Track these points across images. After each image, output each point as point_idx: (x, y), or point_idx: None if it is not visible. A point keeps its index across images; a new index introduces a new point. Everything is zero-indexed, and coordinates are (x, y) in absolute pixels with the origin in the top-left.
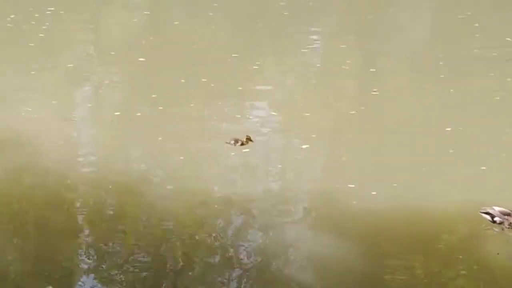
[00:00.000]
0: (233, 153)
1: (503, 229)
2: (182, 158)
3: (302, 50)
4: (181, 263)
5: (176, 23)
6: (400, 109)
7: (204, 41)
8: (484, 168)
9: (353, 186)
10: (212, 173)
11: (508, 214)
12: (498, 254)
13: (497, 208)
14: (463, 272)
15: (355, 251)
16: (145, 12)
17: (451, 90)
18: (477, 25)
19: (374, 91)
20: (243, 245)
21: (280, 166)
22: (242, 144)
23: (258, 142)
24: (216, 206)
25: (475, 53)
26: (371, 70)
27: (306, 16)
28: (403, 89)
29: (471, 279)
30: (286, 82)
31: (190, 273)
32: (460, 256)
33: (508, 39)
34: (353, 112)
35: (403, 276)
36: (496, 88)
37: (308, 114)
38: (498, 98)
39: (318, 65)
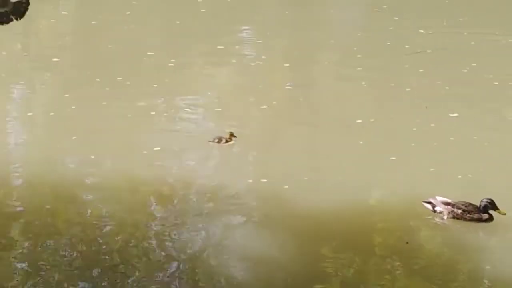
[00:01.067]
0: (145, 152)
1: (442, 219)
2: (93, 157)
3: (218, 47)
4: (117, 262)
5: (93, 22)
6: (312, 102)
7: (120, 40)
8: (393, 158)
9: (265, 180)
10: (132, 169)
11: (449, 204)
12: (407, 243)
13: (439, 198)
14: (400, 263)
15: (291, 246)
16: (63, 12)
17: (363, 83)
18: (396, 18)
19: (288, 86)
20: (176, 244)
21: (193, 163)
22: (227, 141)
23: (172, 139)
24: (141, 202)
25: (388, 45)
26: (285, 65)
27: (223, 13)
28: (318, 83)
29: (408, 269)
30: (200, 79)
31: (125, 272)
32: (398, 247)
33: (422, 31)
34: (265, 106)
35: (340, 271)
36: (408, 79)
37: (220, 109)
38: (409, 89)
39: (233, 61)
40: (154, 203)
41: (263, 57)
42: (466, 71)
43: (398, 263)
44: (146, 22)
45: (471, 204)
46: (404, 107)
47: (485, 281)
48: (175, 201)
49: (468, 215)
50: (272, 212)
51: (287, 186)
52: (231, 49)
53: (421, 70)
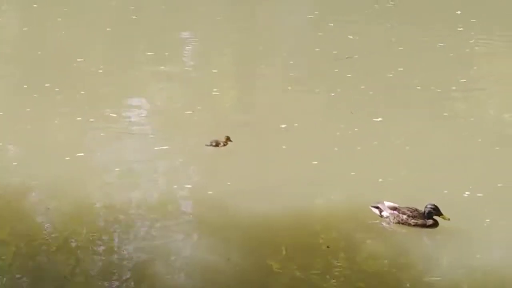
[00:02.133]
0: (68, 158)
1: (388, 223)
2: (15, 163)
3: (147, 53)
4: (62, 271)
5: (25, 29)
6: (237, 108)
7: (50, 46)
8: (315, 162)
9: (190, 186)
10: (56, 175)
11: (395, 209)
12: (328, 247)
13: (386, 203)
14: (344, 269)
15: (237, 255)
16: None
17: (289, 88)
18: (332, 24)
19: (215, 91)
20: (119, 255)
21: (123, 168)
22: (224, 145)
23: (96, 144)
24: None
25: (317, 51)
26: (213, 71)
27: (154, 20)
28: (246, 88)
29: (353, 276)
30: (129, 85)
31: (70, 282)
32: (342, 254)
33: (350, 37)
34: (189, 112)
35: (286, 278)
36: (333, 85)
37: (144, 115)
38: (334, 94)
39: (162, 67)
40: (86, 212)
41: (191, 63)
42: (391, 75)
43: (343, 269)
44: (77, 29)
45: (416, 209)
46: (329, 112)
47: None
48: (113, 210)
49: (412, 220)
50: (214, 221)
51: (211, 192)
52: (161, 55)
53: (349, 75)
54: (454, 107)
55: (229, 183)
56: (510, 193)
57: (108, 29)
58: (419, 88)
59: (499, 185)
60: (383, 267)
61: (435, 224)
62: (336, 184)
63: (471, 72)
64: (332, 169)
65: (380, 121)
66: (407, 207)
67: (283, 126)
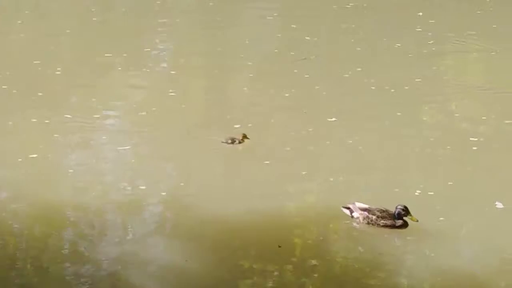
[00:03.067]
0: (20, 159)
1: (358, 223)
2: None
3: (105, 55)
4: (27, 276)
5: None
6: (192, 109)
7: (9, 48)
8: (267, 162)
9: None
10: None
11: (365, 210)
12: (279, 247)
13: (357, 204)
14: (315, 266)
15: (207, 257)
16: None
17: (245, 89)
18: (292, 26)
19: (171, 92)
20: (86, 257)
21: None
22: (239, 142)
23: (53, 146)
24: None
25: (275, 52)
26: (166, 75)
27: (114, 22)
28: (199, 90)
29: (323, 276)
30: (87, 87)
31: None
32: (312, 253)
33: (307, 38)
34: (143, 113)
35: (257, 279)
36: (288, 85)
37: (98, 116)
38: (288, 94)
39: (119, 68)
40: (37, 213)
41: (150, 65)
42: (348, 75)
43: (313, 269)
44: (37, 31)
45: (386, 210)
46: (283, 113)
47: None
48: (77, 211)
49: (382, 221)
50: (184, 222)
51: (164, 193)
52: (120, 57)
53: (307, 76)
54: (407, 107)
55: (182, 184)
56: (460, 191)
57: (67, 31)
58: (373, 88)
59: (449, 183)
60: (354, 267)
61: (405, 225)
62: (286, 184)
63: (427, 72)
64: (283, 169)
65: (334, 121)
66: (377, 208)
67: (237, 126)
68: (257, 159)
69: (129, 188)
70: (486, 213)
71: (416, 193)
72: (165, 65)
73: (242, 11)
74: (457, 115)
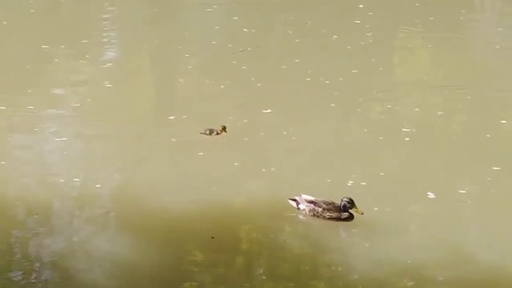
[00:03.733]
0: None
1: (304, 216)
2: None
3: (42, 46)
4: None
5: None
6: (126, 100)
7: None
8: (201, 154)
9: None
10: None
11: (311, 202)
12: (212, 237)
13: (304, 196)
14: (263, 262)
15: (157, 249)
16: None
17: (181, 80)
18: (229, 18)
19: (107, 84)
20: (37, 250)
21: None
22: (218, 133)
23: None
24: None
25: (213, 44)
26: (103, 66)
27: (53, 13)
28: (136, 81)
29: (271, 269)
30: (23, 78)
31: None
32: (260, 246)
33: (245, 30)
34: (78, 104)
35: (205, 271)
36: (224, 77)
37: (32, 107)
38: (223, 86)
39: (56, 59)
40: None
41: (87, 56)
42: (285, 67)
43: (261, 263)
44: None
45: (333, 203)
46: (218, 104)
47: (344, 279)
48: (25, 204)
49: (327, 213)
50: (128, 215)
51: (145, 186)
52: (57, 49)
53: (244, 67)
54: (341, 98)
55: (117, 176)
56: (392, 181)
57: (4, 22)
58: (309, 79)
59: (381, 174)
60: (300, 259)
61: (351, 217)
62: (220, 175)
63: (364, 64)
64: (216, 160)
65: (269, 112)
66: (323, 200)
67: (171, 118)
68: (192, 151)
69: (68, 180)
70: (418, 203)
71: (349, 184)
72: (102, 57)
73: (182, 3)
74: (389, 106)
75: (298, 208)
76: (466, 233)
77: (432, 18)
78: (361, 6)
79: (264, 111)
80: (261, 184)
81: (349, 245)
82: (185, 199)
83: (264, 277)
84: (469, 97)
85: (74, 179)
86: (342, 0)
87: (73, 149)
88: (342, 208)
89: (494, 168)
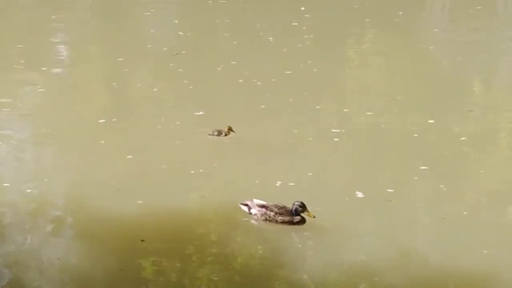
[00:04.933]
0: None
1: (256, 220)
2: None
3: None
4: None
5: None
6: (57, 104)
7: None
8: (130, 156)
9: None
10: None
11: (263, 206)
12: (142, 241)
13: (255, 201)
14: (215, 263)
15: (108, 254)
16: None
17: (114, 84)
18: (176, 21)
19: (39, 88)
20: None
21: None
22: (226, 135)
23: None
24: None
25: (148, 48)
26: (43, 68)
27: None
28: (71, 87)
29: (224, 274)
30: None
31: None
32: (214, 250)
33: (180, 33)
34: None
35: (158, 276)
36: (158, 79)
37: None
38: (156, 89)
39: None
40: None
41: (21, 61)
42: (220, 69)
43: (214, 267)
44: None
45: (284, 207)
46: (149, 107)
47: (297, 282)
48: None
49: (280, 217)
50: (81, 221)
51: (93, 192)
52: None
53: (180, 70)
54: (271, 99)
55: (46, 180)
56: (320, 181)
57: None
58: (241, 81)
59: (309, 174)
60: (253, 264)
61: (303, 221)
62: (149, 177)
63: (298, 66)
64: (146, 163)
65: (201, 114)
66: (275, 205)
67: (101, 121)
68: (121, 153)
69: (19, 187)
70: (347, 202)
71: (277, 184)
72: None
73: (123, 7)
74: (318, 107)
75: (250, 213)
76: (395, 232)
77: (368, 20)
78: (303, 8)
79: (196, 113)
80: (185, 185)
81: (301, 248)
82: (134, 205)
83: (217, 282)
84: (398, 97)
85: (22, 186)
86: (283, 2)
87: (19, 156)
88: (294, 212)
89: (421, 167)
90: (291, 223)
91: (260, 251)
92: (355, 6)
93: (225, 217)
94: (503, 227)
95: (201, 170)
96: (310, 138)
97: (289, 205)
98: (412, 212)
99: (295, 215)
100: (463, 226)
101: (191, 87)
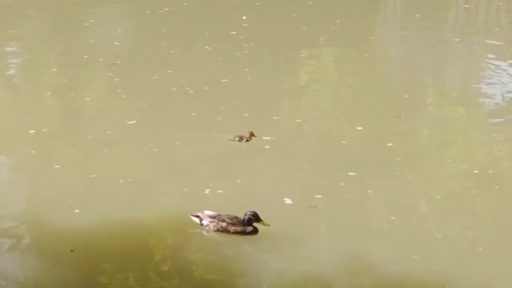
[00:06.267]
0: None
1: (208, 232)
2: None
3: None
4: None
5: None
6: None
7: None
8: (58, 166)
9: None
10: None
11: (215, 217)
12: (72, 250)
13: (206, 212)
14: (167, 276)
15: (61, 266)
16: None
17: (48, 93)
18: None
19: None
20: None
21: None
22: (247, 140)
23: None
24: None
25: (84, 58)
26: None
27: None
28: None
29: (174, 283)
30: None
31: None
32: (166, 261)
33: (117, 43)
34: None
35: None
36: (90, 89)
37: None
38: (89, 99)
39: None
40: None
41: None
42: (156, 78)
43: (167, 280)
44: None
45: (236, 217)
46: (82, 117)
47: None
48: None
49: (232, 228)
50: (38, 235)
51: (49, 205)
52: None
53: (117, 80)
54: (202, 108)
55: (19, 195)
56: (248, 188)
57: None
58: (174, 89)
59: (238, 181)
60: (207, 277)
61: (255, 231)
62: (72, 188)
63: (234, 74)
64: (73, 173)
65: (133, 123)
66: (227, 215)
67: (32, 131)
68: (48, 163)
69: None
70: (276, 209)
71: (206, 192)
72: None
73: (63, 18)
74: (246, 115)
75: (202, 224)
76: (342, 238)
77: (305, 28)
78: (244, 17)
79: (129, 122)
80: (114, 195)
81: (257, 258)
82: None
83: None
84: (327, 104)
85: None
86: (223, 12)
87: None
88: (246, 222)
89: (349, 173)
90: (243, 233)
91: (216, 263)
92: (294, 15)
93: (173, 229)
94: (430, 230)
95: (130, 179)
96: (243, 147)
97: (238, 214)
98: (335, 218)
99: (247, 225)
100: (390, 231)
101: (123, 96)
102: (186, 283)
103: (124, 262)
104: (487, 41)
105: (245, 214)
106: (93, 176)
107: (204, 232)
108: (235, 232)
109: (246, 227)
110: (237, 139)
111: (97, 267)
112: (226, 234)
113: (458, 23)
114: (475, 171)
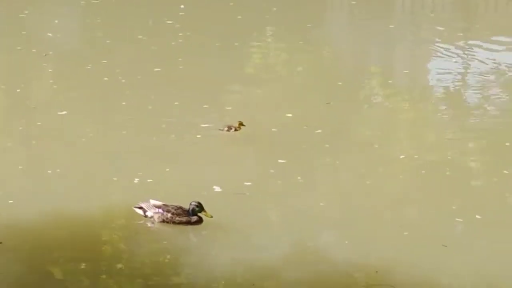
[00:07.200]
0: None
1: (153, 223)
2: None
3: None
4: None
5: None
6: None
7: None
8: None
9: None
10: None
11: (160, 207)
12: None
13: (152, 201)
14: (115, 271)
15: (14, 261)
16: None
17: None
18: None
19: None
20: None
21: None
22: (236, 130)
23: None
24: None
25: (17, 49)
26: None
27: None
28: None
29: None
30: None
31: None
32: (120, 255)
33: (50, 34)
34: None
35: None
36: (20, 80)
37: None
38: (19, 90)
39: None
40: None
41: None
42: (89, 67)
43: (115, 275)
44: None
45: (181, 207)
46: (11, 108)
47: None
48: None
49: (177, 218)
50: None
51: (12, 201)
52: None
53: (50, 70)
54: (132, 96)
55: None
56: (177, 177)
57: None
58: (106, 79)
59: (167, 170)
60: (154, 268)
61: (200, 220)
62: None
63: (167, 64)
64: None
65: (64, 114)
66: (172, 205)
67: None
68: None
69: None
70: (205, 196)
71: (135, 181)
72: None
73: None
74: (176, 103)
75: (146, 216)
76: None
77: (240, 17)
78: (182, 6)
79: (59, 113)
80: (47, 187)
81: (203, 247)
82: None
83: None
84: (258, 91)
85: None
86: (159, 2)
87: None
88: (191, 212)
89: (279, 160)
90: (188, 223)
91: (159, 254)
92: (231, 4)
93: (112, 221)
94: (359, 216)
95: (58, 170)
96: (172, 136)
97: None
98: (265, 204)
99: (192, 215)
100: (320, 216)
101: (55, 86)
102: (129, 275)
103: (61, 256)
104: (436, 27)
105: (190, 204)
106: (20, 167)
107: (149, 224)
108: (180, 222)
109: (191, 217)
110: (225, 129)
111: (27, 259)
112: (171, 224)
113: (405, 9)
114: (402, 156)
